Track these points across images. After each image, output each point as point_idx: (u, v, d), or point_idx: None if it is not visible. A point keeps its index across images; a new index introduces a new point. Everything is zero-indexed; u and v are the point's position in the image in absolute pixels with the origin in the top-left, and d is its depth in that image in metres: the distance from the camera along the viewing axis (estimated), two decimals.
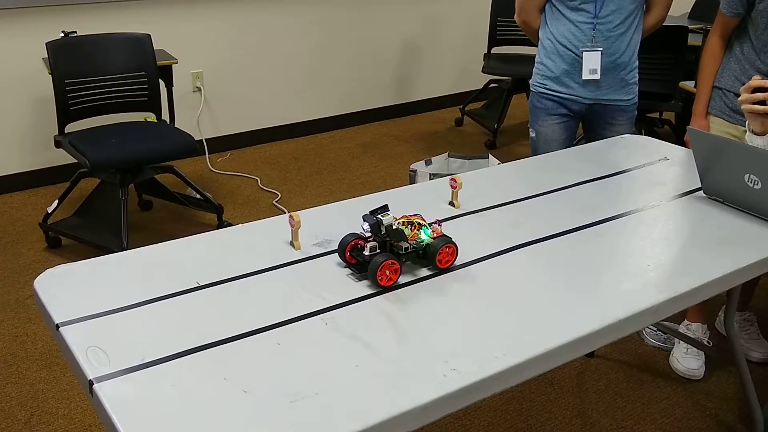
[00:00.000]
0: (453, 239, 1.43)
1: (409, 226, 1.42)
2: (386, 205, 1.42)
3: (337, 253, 1.46)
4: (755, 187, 1.67)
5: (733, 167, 1.71)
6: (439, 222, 1.49)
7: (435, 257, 1.41)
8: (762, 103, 1.77)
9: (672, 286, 1.42)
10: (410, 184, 3.19)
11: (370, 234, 1.41)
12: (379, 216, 1.39)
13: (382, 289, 1.36)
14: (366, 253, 1.39)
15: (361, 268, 1.40)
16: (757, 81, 1.78)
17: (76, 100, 3.20)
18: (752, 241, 1.60)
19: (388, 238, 1.40)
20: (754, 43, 2.22)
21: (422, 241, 1.42)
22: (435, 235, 1.44)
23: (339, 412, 1.05)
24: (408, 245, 1.41)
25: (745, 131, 1.88)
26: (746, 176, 1.68)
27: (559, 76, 2.53)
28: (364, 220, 1.41)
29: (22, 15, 3.62)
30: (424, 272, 1.43)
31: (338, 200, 1.75)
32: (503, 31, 4.78)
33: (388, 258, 1.35)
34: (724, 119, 2.31)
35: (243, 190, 3.93)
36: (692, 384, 2.44)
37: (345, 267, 1.44)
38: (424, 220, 1.45)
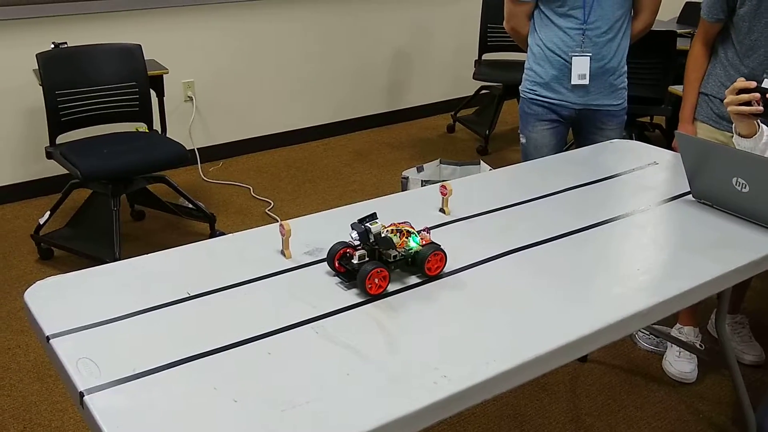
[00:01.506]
0: (442, 246, 1.44)
1: (398, 234, 1.42)
2: (374, 213, 1.42)
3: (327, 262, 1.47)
4: (743, 190, 1.68)
5: (720, 171, 1.72)
6: (428, 229, 1.49)
7: (424, 265, 1.41)
8: (747, 104, 1.77)
9: (662, 290, 1.42)
10: (402, 191, 3.20)
11: (358, 242, 1.42)
12: (367, 224, 1.40)
13: (371, 297, 1.36)
14: (355, 261, 1.39)
15: (350, 276, 1.41)
16: (741, 82, 1.78)
17: (67, 111, 3.20)
18: (741, 244, 1.61)
19: (376, 247, 1.40)
20: (737, 48, 2.23)
21: (411, 249, 1.43)
22: (424, 242, 1.44)
23: (330, 421, 1.05)
24: (397, 253, 1.41)
25: (731, 136, 1.89)
26: (734, 180, 1.69)
27: (549, 82, 2.55)
28: (353, 229, 1.41)
29: (13, 27, 3.61)
30: (414, 280, 1.43)
31: (331, 208, 1.75)
32: (494, 38, 4.79)
33: (377, 266, 1.35)
34: (710, 125, 2.33)
35: (235, 199, 3.93)
36: (685, 387, 2.45)
37: (335, 275, 1.44)
38: (412, 227, 1.45)
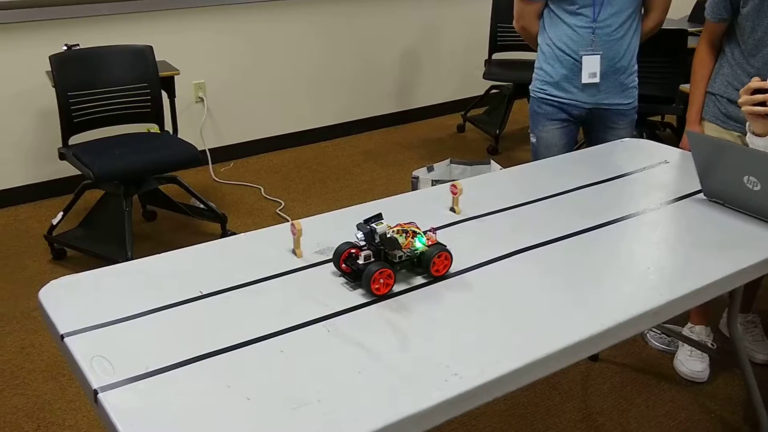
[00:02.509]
0: (448, 247, 1.44)
1: (404, 235, 1.42)
2: (380, 213, 1.42)
3: None
4: (755, 188, 1.68)
5: (732, 169, 1.71)
6: (435, 230, 1.49)
7: (430, 265, 1.42)
8: (762, 104, 1.77)
9: (672, 289, 1.42)
10: (412, 190, 3.21)
11: (364, 243, 1.42)
12: (372, 225, 1.40)
13: (377, 297, 1.37)
14: (360, 262, 1.39)
15: (356, 277, 1.41)
16: (756, 82, 1.78)
17: (79, 112, 3.22)
18: (752, 243, 1.61)
19: (382, 247, 1.40)
20: (742, 47, 2.22)
21: (416, 250, 1.43)
22: (430, 243, 1.44)
23: (342, 419, 1.06)
24: (402, 254, 1.41)
25: (739, 135, 1.89)
26: (745, 178, 1.68)
27: (559, 81, 2.54)
28: (358, 229, 1.42)
29: (26, 29, 3.64)
30: (420, 280, 1.43)
31: (341, 208, 1.76)
32: (504, 37, 4.79)
33: (382, 267, 1.36)
34: (718, 125, 2.30)
35: (246, 199, 3.94)
36: (696, 386, 2.44)
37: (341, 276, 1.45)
38: (418, 228, 1.45)
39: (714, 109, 2.32)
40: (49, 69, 3.19)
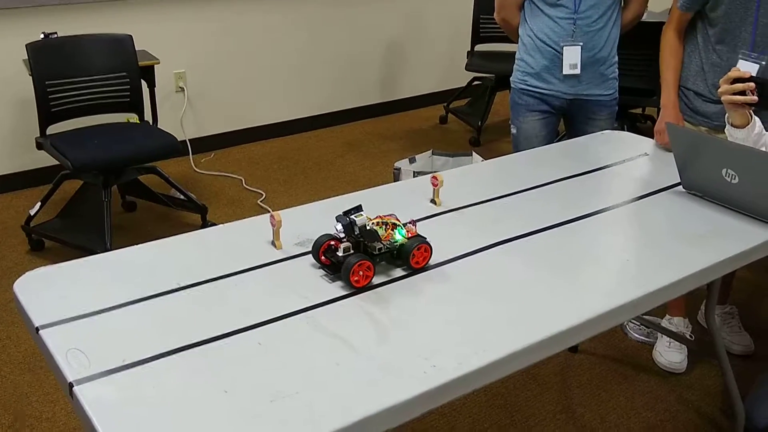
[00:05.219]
0: (428, 239, 1.44)
1: (383, 227, 1.42)
2: (360, 205, 1.42)
3: None
4: (732, 181, 1.69)
5: (710, 162, 1.72)
6: (414, 222, 1.49)
7: (409, 257, 1.41)
8: (741, 93, 1.77)
9: (651, 280, 1.43)
10: (394, 182, 3.20)
11: (343, 235, 1.41)
12: (352, 216, 1.39)
13: (357, 289, 1.36)
14: (339, 254, 1.39)
15: (335, 269, 1.40)
16: (736, 72, 1.78)
17: (57, 101, 3.18)
18: (730, 235, 1.62)
19: (361, 239, 1.40)
20: (709, 40, 2.20)
21: (396, 242, 1.42)
22: (409, 235, 1.44)
23: (320, 410, 1.05)
24: (382, 246, 1.41)
25: (707, 130, 1.88)
26: (724, 171, 1.70)
27: (540, 72, 2.54)
28: (338, 221, 1.41)
29: (2, 16, 3.59)
30: (399, 272, 1.43)
31: (323, 199, 1.75)
32: (486, 29, 4.79)
33: (361, 259, 1.35)
34: (686, 120, 2.26)
35: (227, 190, 3.92)
36: (675, 377, 2.47)
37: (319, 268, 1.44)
38: (398, 220, 1.45)
39: (681, 104, 2.28)
40: (26, 57, 3.14)
